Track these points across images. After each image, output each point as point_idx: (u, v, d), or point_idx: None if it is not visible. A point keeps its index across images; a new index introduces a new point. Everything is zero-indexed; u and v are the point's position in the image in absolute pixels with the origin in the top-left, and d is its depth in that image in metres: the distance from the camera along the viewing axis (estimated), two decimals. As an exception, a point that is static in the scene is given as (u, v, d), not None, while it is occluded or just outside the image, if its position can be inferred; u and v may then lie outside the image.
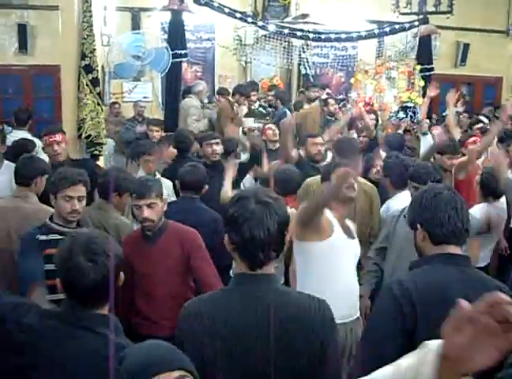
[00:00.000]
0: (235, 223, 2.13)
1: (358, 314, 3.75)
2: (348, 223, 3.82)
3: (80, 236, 2.25)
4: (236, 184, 5.48)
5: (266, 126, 7.58)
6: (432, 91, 8.03)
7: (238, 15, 9.52)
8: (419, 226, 2.54)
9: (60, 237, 3.53)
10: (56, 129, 5.42)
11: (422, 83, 10.10)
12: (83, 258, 2.13)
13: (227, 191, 4.89)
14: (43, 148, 5.48)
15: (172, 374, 1.58)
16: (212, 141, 5.90)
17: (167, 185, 4.99)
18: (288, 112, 8.92)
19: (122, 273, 2.33)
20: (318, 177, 4.46)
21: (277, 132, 7.07)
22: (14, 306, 2.13)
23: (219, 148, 5.92)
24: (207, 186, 4.69)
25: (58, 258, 2.21)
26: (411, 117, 9.31)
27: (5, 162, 5.36)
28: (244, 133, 8.60)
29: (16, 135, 7.08)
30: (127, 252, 3.71)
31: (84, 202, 3.70)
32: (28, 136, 7.13)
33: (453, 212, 2.49)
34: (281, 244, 2.20)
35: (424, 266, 2.49)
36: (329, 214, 3.60)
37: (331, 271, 3.54)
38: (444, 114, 10.40)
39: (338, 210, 3.69)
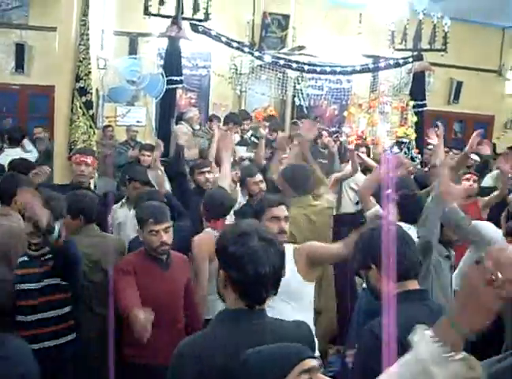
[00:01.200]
0: (238, 260, 2.08)
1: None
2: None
3: None
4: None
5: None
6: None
7: (235, 44, 9.58)
8: (373, 266, 2.50)
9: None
10: (89, 152, 5.46)
11: (415, 118, 10.17)
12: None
13: (225, 177, 4.92)
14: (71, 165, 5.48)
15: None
16: (204, 169, 5.83)
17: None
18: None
19: None
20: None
21: None
22: None
23: (211, 177, 5.88)
24: None
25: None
26: (405, 152, 9.35)
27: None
28: (235, 161, 8.59)
29: (9, 153, 7.10)
30: (132, 268, 3.70)
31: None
32: (22, 154, 7.16)
33: (406, 247, 2.49)
34: (280, 280, 2.17)
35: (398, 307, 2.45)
36: None
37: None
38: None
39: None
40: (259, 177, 5.75)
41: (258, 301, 2.13)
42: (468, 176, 6.54)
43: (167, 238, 3.73)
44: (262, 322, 2.15)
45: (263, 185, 5.69)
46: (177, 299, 3.82)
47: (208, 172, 5.84)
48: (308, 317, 3.56)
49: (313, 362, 1.75)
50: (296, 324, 2.29)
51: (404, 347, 2.24)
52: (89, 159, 5.35)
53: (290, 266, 3.54)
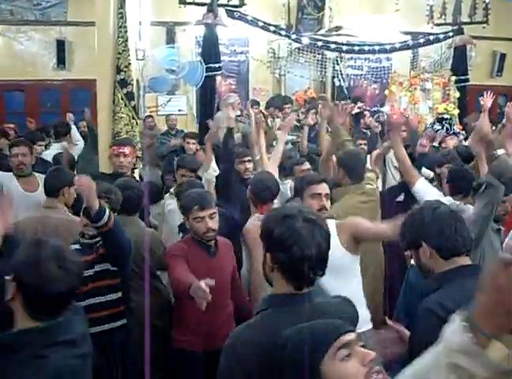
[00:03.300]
0: (284, 243, 2.08)
1: (366, 327, 3.59)
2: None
3: (47, 243, 2.14)
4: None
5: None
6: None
7: (272, 28, 9.58)
8: (424, 243, 2.48)
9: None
10: (126, 142, 5.55)
11: (457, 94, 10.01)
12: (53, 265, 2.02)
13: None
14: (109, 158, 5.61)
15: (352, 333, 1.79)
16: (245, 159, 5.76)
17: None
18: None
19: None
20: None
21: None
22: None
23: (251, 166, 5.82)
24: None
25: (22, 263, 2.06)
26: (447, 129, 9.20)
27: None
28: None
29: (56, 148, 7.25)
30: (184, 253, 3.74)
31: None
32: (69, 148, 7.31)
33: (457, 223, 2.47)
34: (327, 260, 2.17)
35: (447, 283, 2.43)
36: None
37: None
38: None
39: None
40: (307, 165, 5.79)
41: (306, 282, 2.13)
42: None
43: (213, 224, 3.75)
44: (310, 305, 2.14)
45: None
46: (225, 285, 3.83)
47: (249, 161, 5.79)
48: (354, 289, 3.57)
49: (351, 336, 1.77)
50: (340, 301, 2.27)
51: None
52: (127, 150, 5.40)
53: (333, 241, 3.55)
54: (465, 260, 2.49)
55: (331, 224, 3.60)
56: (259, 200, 4.37)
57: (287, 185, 5.96)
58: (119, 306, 3.78)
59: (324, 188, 3.73)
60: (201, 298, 3.09)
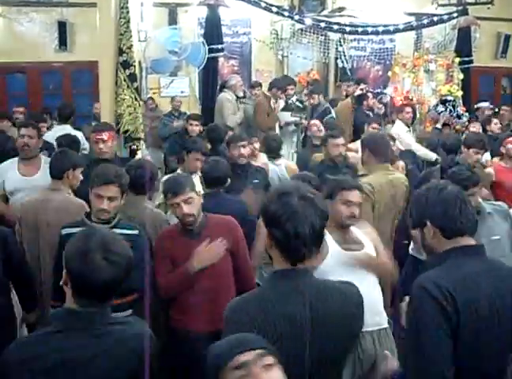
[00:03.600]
0: (278, 220, 2.12)
1: (386, 324, 3.61)
2: (357, 233, 3.71)
3: (96, 233, 2.24)
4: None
5: (311, 122, 7.59)
6: None
7: (274, 9, 9.51)
8: (428, 223, 2.49)
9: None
10: (104, 128, 5.47)
11: (461, 76, 9.96)
12: (99, 256, 2.13)
13: None
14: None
15: (254, 352, 1.73)
16: (239, 144, 5.65)
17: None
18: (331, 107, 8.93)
19: None
20: None
21: (322, 128, 7.21)
22: None
23: (246, 151, 5.72)
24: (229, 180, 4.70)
25: (71, 253, 2.19)
26: (450, 111, 9.16)
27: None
28: (281, 127, 8.59)
29: (58, 130, 7.22)
30: (167, 247, 3.76)
31: (116, 202, 3.72)
32: (72, 130, 7.28)
33: (462, 204, 2.48)
34: (322, 239, 2.20)
35: (448, 261, 2.44)
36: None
37: None
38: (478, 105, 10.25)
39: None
40: (342, 140, 5.81)
41: (300, 258, 2.16)
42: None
43: (189, 209, 3.69)
44: (307, 281, 2.19)
45: (343, 149, 5.79)
46: (221, 265, 3.74)
47: (243, 146, 5.67)
48: (371, 286, 3.56)
49: (250, 356, 1.73)
50: (345, 287, 2.31)
51: (463, 303, 2.26)
52: (105, 135, 5.27)
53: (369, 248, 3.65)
54: (469, 241, 2.49)
55: (356, 231, 3.69)
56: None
57: (281, 166, 5.99)
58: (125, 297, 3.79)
59: (356, 196, 3.70)
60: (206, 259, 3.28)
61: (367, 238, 3.69)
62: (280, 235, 2.13)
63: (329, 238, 3.41)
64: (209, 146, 6.19)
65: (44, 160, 5.22)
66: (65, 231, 3.75)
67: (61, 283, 2.21)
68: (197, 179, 5.24)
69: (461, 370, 2.31)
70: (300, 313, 2.12)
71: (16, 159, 5.37)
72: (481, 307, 2.32)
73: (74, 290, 2.17)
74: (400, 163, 5.89)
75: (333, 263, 3.31)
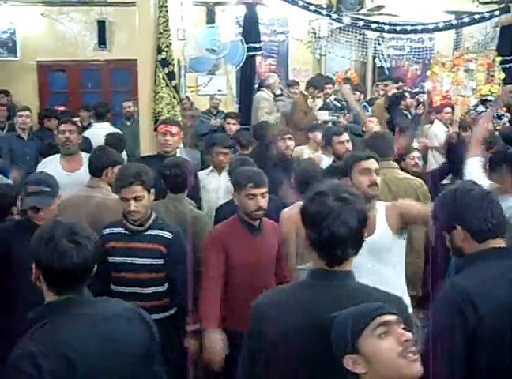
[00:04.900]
0: (314, 220, 2.11)
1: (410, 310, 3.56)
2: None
3: (61, 221, 2.22)
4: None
5: (368, 118, 7.55)
6: None
7: (312, 8, 9.45)
8: (458, 226, 2.43)
9: (123, 231, 3.76)
10: (175, 122, 5.61)
11: (502, 75, 9.78)
12: (65, 240, 2.10)
13: None
14: (156, 136, 5.69)
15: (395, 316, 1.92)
16: (286, 136, 5.84)
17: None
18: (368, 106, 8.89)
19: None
20: None
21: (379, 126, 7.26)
22: None
23: (292, 144, 5.88)
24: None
25: (37, 240, 2.16)
26: (490, 111, 9.01)
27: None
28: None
29: (98, 128, 7.34)
30: (224, 239, 3.76)
31: (144, 201, 3.71)
32: (111, 128, 7.39)
33: (491, 205, 2.42)
34: (360, 241, 2.16)
35: (476, 264, 2.40)
36: None
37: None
38: None
39: None
40: (345, 136, 5.68)
41: (335, 261, 2.14)
42: None
43: (264, 202, 3.75)
44: (343, 284, 2.16)
45: (349, 145, 5.60)
46: (268, 264, 3.85)
47: (290, 139, 5.84)
48: (395, 273, 3.54)
49: (390, 317, 1.88)
50: (387, 294, 2.24)
51: (487, 306, 2.22)
52: (174, 129, 5.42)
53: (381, 224, 3.55)
54: (499, 243, 2.44)
55: (380, 206, 3.60)
56: (304, 189, 4.28)
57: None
58: (162, 299, 3.82)
59: (373, 163, 3.66)
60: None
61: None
62: (316, 236, 2.11)
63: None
64: (256, 144, 6.22)
65: (85, 155, 5.30)
66: (106, 231, 3.80)
67: (32, 279, 2.19)
68: (224, 175, 5.29)
69: (481, 371, 2.28)
70: (327, 316, 2.06)
71: (57, 155, 5.45)
72: (505, 310, 2.27)
73: (47, 281, 2.14)
74: (415, 154, 5.83)
75: None
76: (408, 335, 1.85)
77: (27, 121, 7.49)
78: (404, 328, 1.89)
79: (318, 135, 6.38)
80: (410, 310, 3.58)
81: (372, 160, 3.67)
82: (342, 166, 3.88)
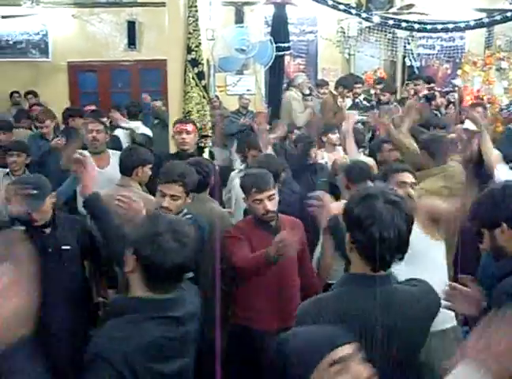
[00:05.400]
0: (362, 223, 2.07)
1: (453, 322, 3.47)
2: None
3: (162, 216, 2.22)
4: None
5: None
6: None
7: (341, 7, 9.41)
8: (504, 224, 2.37)
9: None
10: (189, 120, 5.71)
11: (535, 73, 9.65)
12: (170, 239, 2.07)
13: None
14: (172, 136, 5.75)
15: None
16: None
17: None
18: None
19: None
20: None
21: None
22: None
23: (314, 151, 5.94)
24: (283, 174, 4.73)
25: (139, 234, 2.14)
26: (523, 110, 8.90)
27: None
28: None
29: (131, 126, 7.46)
30: (246, 235, 3.73)
31: (179, 201, 3.70)
32: (144, 127, 7.47)
33: None
34: (407, 245, 2.14)
35: None
36: None
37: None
38: None
39: None
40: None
41: (382, 265, 2.12)
42: None
43: (272, 205, 3.68)
44: (388, 288, 2.14)
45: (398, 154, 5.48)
46: (289, 263, 3.72)
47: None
48: (434, 279, 3.47)
49: (347, 350, 1.70)
50: (425, 291, 2.25)
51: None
52: (189, 127, 5.48)
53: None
54: None
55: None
56: (354, 182, 4.15)
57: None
58: None
59: (408, 176, 3.78)
60: (285, 245, 3.24)
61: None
62: (364, 239, 2.08)
63: None
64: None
65: (111, 153, 5.34)
66: None
67: (126, 270, 2.14)
68: None
69: None
70: (374, 323, 2.06)
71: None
72: None
73: (145, 276, 2.10)
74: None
75: None
76: (366, 372, 1.69)
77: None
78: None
79: (332, 136, 6.48)
80: (454, 322, 3.52)
81: (407, 173, 3.78)
82: (379, 175, 3.98)
